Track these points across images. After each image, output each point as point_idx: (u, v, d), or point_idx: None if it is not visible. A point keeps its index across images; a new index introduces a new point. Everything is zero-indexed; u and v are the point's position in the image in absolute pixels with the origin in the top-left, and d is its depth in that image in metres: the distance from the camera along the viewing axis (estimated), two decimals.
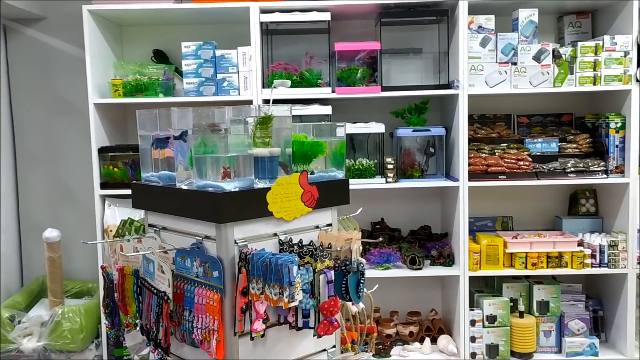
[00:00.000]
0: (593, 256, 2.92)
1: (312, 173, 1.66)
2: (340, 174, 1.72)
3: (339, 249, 1.51)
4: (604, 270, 2.92)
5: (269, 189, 1.51)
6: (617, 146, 2.89)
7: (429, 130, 2.99)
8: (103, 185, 2.95)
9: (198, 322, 1.50)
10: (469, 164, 2.90)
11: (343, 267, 1.54)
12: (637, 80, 2.80)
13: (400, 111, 3.05)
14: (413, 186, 3.00)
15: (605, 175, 2.90)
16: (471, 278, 2.94)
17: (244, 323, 1.46)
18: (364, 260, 1.56)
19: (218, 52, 2.92)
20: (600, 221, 3.13)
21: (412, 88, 2.94)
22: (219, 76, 2.92)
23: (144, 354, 1.79)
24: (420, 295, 3.33)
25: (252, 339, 1.47)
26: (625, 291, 2.90)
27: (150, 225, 1.73)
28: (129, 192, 2.88)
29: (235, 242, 1.47)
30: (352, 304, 1.78)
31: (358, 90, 2.89)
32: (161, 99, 2.95)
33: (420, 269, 2.94)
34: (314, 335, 1.51)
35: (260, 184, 1.55)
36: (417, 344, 3.06)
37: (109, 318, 1.71)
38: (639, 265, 2.89)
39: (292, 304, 1.38)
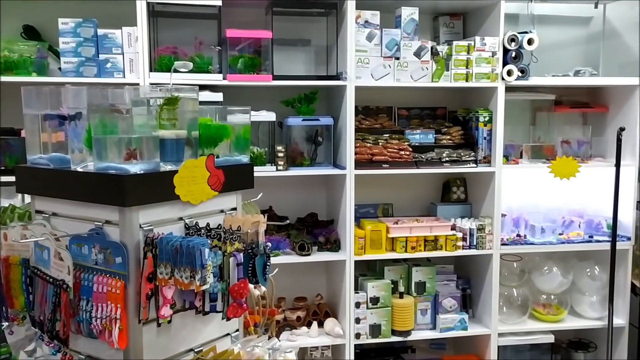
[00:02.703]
0: (464, 239, 3.19)
1: (217, 157, 1.65)
2: (245, 159, 1.72)
3: (249, 231, 1.52)
4: (473, 252, 3.20)
5: (176, 171, 1.48)
6: (485, 138, 3.18)
7: (318, 119, 3.07)
8: None
9: (97, 311, 1.42)
10: (355, 153, 3.02)
11: (250, 250, 1.54)
12: (503, 79, 3.10)
13: (290, 100, 3.10)
14: (302, 174, 3.07)
15: (474, 165, 3.18)
16: (355, 262, 3.07)
17: (149, 310, 1.42)
18: (269, 244, 1.58)
19: (100, 31, 2.76)
20: (470, 207, 3.43)
21: (302, 78, 3.00)
22: (102, 57, 2.76)
23: (29, 349, 1.66)
24: (306, 280, 3.42)
25: (159, 325, 1.43)
26: (491, 270, 3.21)
27: (38, 212, 1.61)
28: None
29: (140, 227, 1.42)
30: (255, 287, 1.79)
31: (250, 78, 2.89)
32: (34, 78, 2.73)
33: (309, 254, 3.02)
34: (223, 318, 1.50)
35: (166, 167, 1.50)
36: (304, 328, 3.14)
37: None
38: (503, 246, 3.21)
39: (204, 287, 1.36)
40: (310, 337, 3.10)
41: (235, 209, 1.68)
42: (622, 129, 3.01)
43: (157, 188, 1.45)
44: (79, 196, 1.48)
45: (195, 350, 1.57)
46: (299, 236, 3.11)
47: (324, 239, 3.14)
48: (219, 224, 1.54)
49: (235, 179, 1.66)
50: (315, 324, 3.14)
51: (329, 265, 3.38)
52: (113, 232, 1.43)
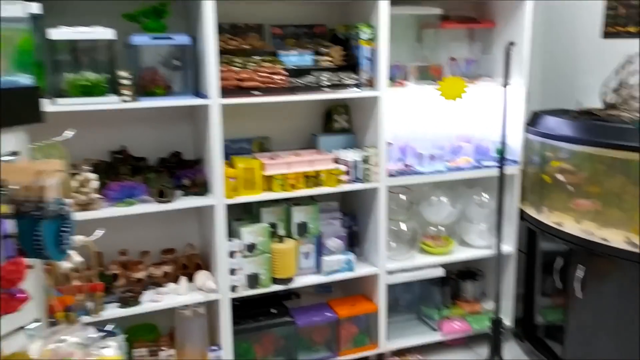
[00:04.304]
0: (348, 173, 2.87)
1: None
2: (25, 80, 1.20)
3: (19, 187, 1.03)
4: (358, 186, 2.91)
5: None
6: (367, 59, 2.81)
7: (171, 38, 2.53)
8: None
9: None
10: (221, 79, 2.55)
11: (35, 213, 1.07)
12: None
13: (135, 14, 2.52)
14: (156, 106, 2.55)
15: (357, 89, 2.82)
16: (230, 206, 2.67)
17: None
18: (68, 200, 1.12)
19: None
20: (353, 137, 3.10)
21: None
22: None
23: None
24: (175, 230, 2.97)
25: None
26: (377, 205, 2.94)
27: None
28: None
29: None
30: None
31: None
32: None
33: (169, 201, 2.56)
34: None
35: None
36: (172, 285, 2.73)
37: None
38: (390, 178, 2.93)
39: None
40: (178, 294, 2.69)
41: (17, 153, 1.18)
42: (511, 44, 2.76)
43: None
44: None
45: None
46: (159, 180, 2.62)
47: (189, 181, 2.69)
48: None
49: (12, 109, 1.14)
50: (184, 279, 2.73)
51: (201, 211, 2.94)
52: None
